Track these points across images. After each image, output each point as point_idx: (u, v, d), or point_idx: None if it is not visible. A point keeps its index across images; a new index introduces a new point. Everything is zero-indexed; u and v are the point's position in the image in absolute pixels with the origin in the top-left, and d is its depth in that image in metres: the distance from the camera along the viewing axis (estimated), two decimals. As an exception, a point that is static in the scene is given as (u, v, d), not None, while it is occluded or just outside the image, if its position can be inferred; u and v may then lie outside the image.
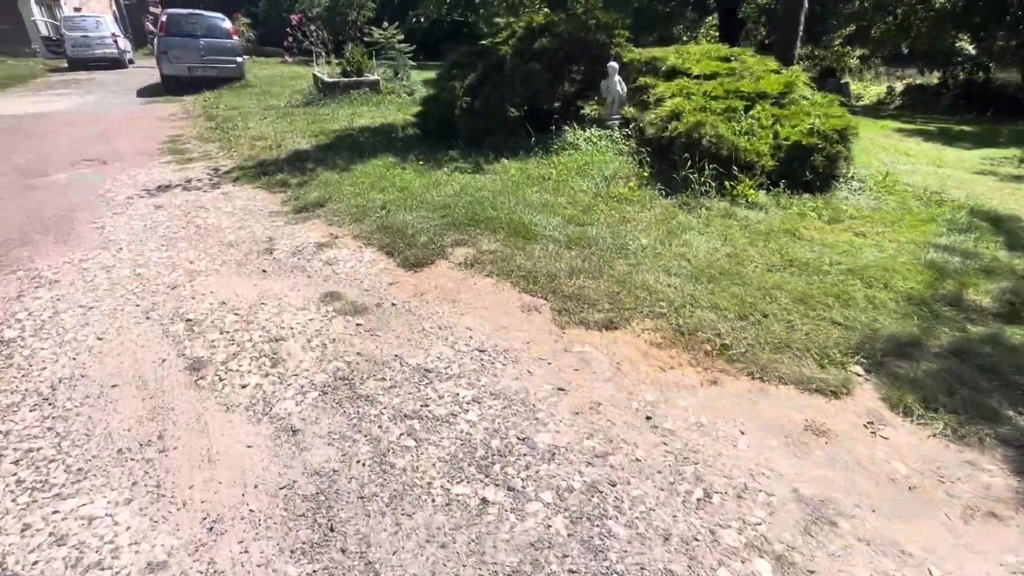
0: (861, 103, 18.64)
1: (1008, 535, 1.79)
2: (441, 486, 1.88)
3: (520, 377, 2.44)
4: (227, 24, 13.22)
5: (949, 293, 3.31)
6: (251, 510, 1.83)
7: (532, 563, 1.62)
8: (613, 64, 6.03)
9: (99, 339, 2.81)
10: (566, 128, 6.10)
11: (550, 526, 1.74)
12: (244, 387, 2.44)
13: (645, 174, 4.92)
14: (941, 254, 3.82)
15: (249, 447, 2.11)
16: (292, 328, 2.86)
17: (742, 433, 2.16)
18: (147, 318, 3.00)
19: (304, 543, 1.69)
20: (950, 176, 6.27)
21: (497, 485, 1.88)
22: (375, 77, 10.51)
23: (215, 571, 1.61)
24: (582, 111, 6.86)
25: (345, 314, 3.00)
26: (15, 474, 1.98)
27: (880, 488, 1.96)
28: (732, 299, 3.09)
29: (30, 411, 2.32)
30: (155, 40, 13.20)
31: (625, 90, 6.13)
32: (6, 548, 1.69)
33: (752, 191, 4.55)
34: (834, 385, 2.44)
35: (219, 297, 3.20)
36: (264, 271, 3.54)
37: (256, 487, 1.93)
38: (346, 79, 10.36)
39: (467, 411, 2.23)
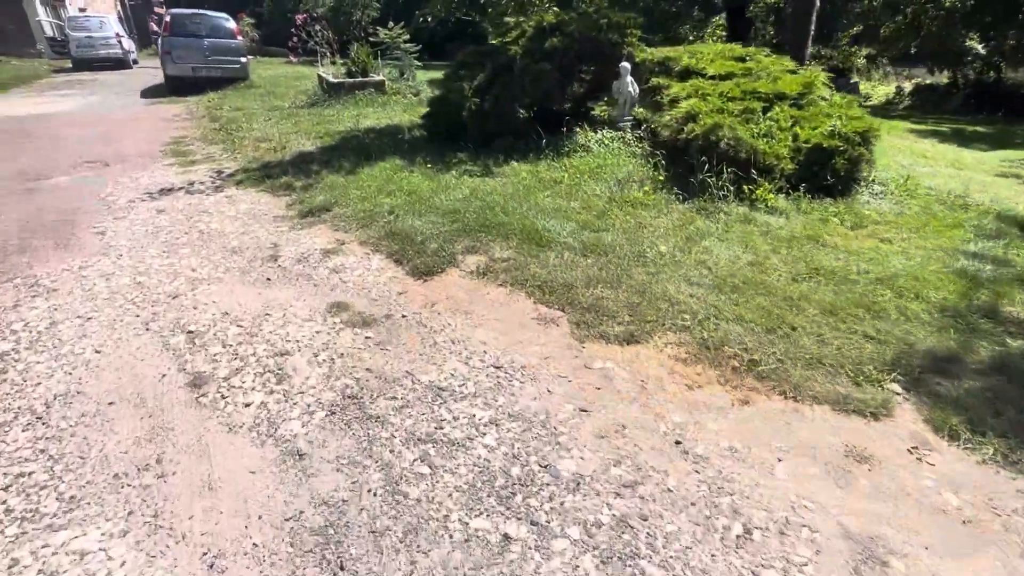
0: (869, 103, 18.40)
1: (1076, 577, 1.65)
2: (459, 519, 1.75)
3: (539, 397, 2.30)
4: (231, 24, 13.12)
5: (984, 304, 3.16)
6: (255, 544, 1.71)
7: (560, 609, 1.49)
8: (625, 64, 5.89)
9: (97, 352, 2.69)
10: (577, 130, 5.95)
11: (578, 566, 1.60)
12: (247, 406, 2.31)
13: (660, 178, 4.77)
14: (971, 262, 3.67)
15: (253, 473, 1.98)
16: (298, 341, 2.73)
17: (779, 460, 2.02)
18: (147, 329, 2.88)
19: (312, 585, 1.56)
20: (972, 179, 6.10)
21: (519, 519, 1.75)
22: (380, 77, 10.39)
23: (216, 617, 1.49)
24: (592, 112, 6.71)
25: (353, 326, 2.87)
26: (4, 502, 1.86)
27: (931, 522, 1.81)
28: (758, 311, 2.95)
29: (23, 431, 2.20)
30: (159, 40, 13.11)
31: (637, 91, 5.98)
32: (-10, 589, 1.56)
33: (771, 195, 4.40)
34: (873, 406, 2.29)
35: (222, 307, 3.08)
36: (268, 279, 3.41)
37: (260, 518, 1.80)
38: (351, 79, 10.24)
39: (484, 434, 2.09)
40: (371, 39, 11.50)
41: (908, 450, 2.11)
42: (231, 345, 2.72)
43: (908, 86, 19.73)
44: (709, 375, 2.47)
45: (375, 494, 1.85)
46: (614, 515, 1.76)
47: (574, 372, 2.47)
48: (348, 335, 2.79)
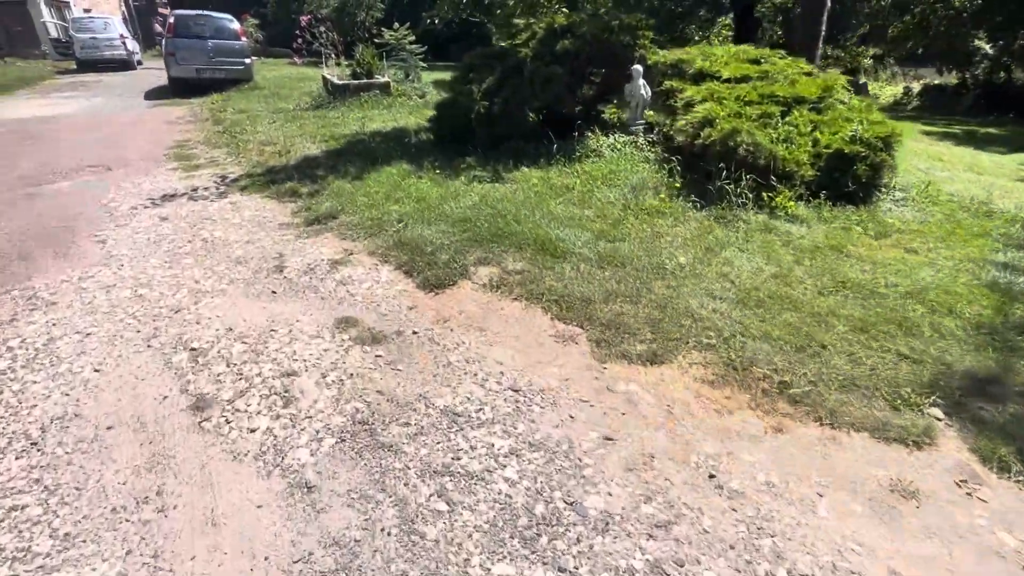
0: (877, 104, 18.21)
1: None
2: (480, 564, 1.62)
3: (561, 424, 2.18)
4: (235, 25, 13.02)
5: (1020, 320, 3.02)
6: (261, 591, 1.59)
7: (594, 671, 1.36)
8: (638, 67, 5.75)
9: (96, 371, 2.58)
10: (588, 134, 5.82)
11: (612, 620, 1.48)
12: (253, 431, 2.19)
13: (676, 184, 4.64)
14: (1002, 273, 3.53)
15: (259, 507, 1.86)
16: (305, 360, 2.61)
17: (820, 495, 1.89)
18: (148, 346, 2.76)
19: (324, 640, 1.44)
20: (993, 184, 5.94)
21: (545, 564, 1.62)
22: (386, 79, 10.27)
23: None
24: (602, 115, 6.57)
25: (362, 343, 2.75)
26: (-6, 540, 1.74)
27: (988, 567, 1.68)
28: (785, 327, 2.81)
29: (16, 459, 2.09)
30: (163, 42, 13.03)
31: (649, 94, 5.85)
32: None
33: (792, 203, 4.27)
34: (915, 433, 2.16)
35: (226, 322, 2.96)
36: (274, 292, 3.29)
37: (267, 559, 1.68)
38: (356, 81, 10.12)
39: (504, 466, 1.96)
40: (376, 40, 11.38)
41: (956, 483, 1.98)
42: (235, 364, 2.60)
43: (916, 87, 19.52)
44: (739, 399, 2.34)
45: (389, 533, 1.73)
46: (648, 560, 1.63)
47: (596, 396, 2.34)
48: (357, 353, 2.67)
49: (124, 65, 18.72)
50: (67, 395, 2.42)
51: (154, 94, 12.53)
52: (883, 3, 17.98)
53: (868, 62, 21.52)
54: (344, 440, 2.12)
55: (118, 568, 1.66)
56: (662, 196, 4.47)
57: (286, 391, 2.40)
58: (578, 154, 5.56)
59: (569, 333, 2.79)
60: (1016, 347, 2.75)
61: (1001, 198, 5.32)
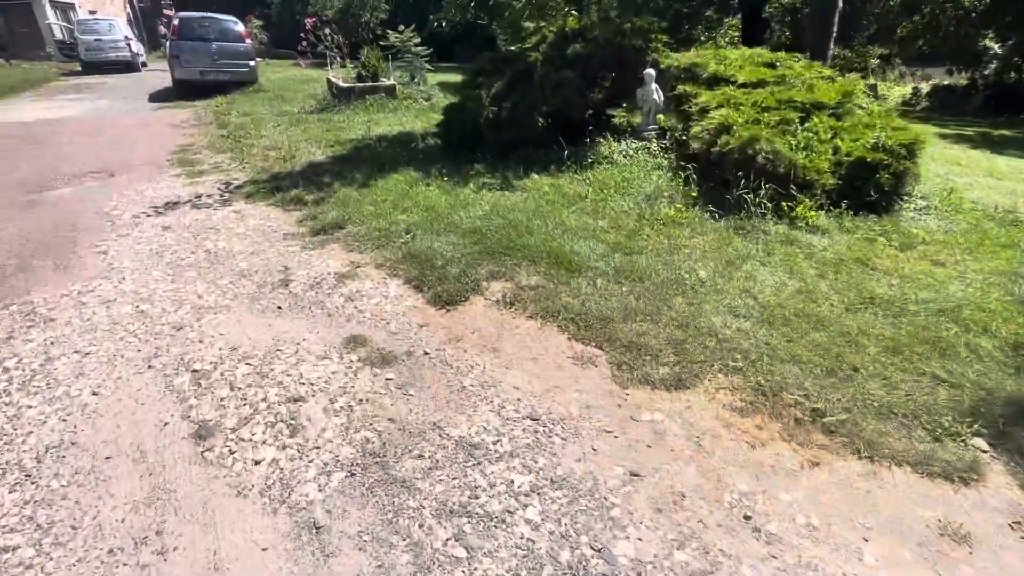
0: (885, 105, 18.01)
1: None
2: (504, 620, 1.50)
3: (584, 457, 2.05)
4: (240, 27, 12.94)
5: (1060, 340, 2.88)
6: (267, 649, 1.47)
7: None
8: (650, 71, 5.62)
9: (94, 395, 2.47)
10: (599, 139, 5.69)
11: None
12: (258, 463, 2.08)
13: (692, 193, 4.51)
14: (1036, 289, 3.38)
15: (264, 550, 1.74)
16: (312, 384, 2.49)
17: (865, 540, 1.76)
18: (149, 367, 2.65)
19: None
20: (1015, 191, 5.78)
21: (574, 621, 1.50)
22: (391, 82, 10.16)
23: None
24: (613, 119, 6.45)
25: (372, 364, 2.63)
26: (-18, 588, 1.63)
27: (1053, 623, 1.55)
28: (814, 349, 2.68)
29: (9, 492, 1.98)
30: (167, 44, 12.96)
31: (662, 98, 5.72)
32: None
33: (812, 213, 4.13)
34: (960, 468, 2.03)
35: (229, 341, 2.85)
36: (279, 308, 3.18)
37: (273, 611, 1.56)
38: (361, 84, 10.01)
39: (526, 507, 1.84)
40: (381, 43, 11.26)
41: (1009, 525, 1.85)
42: (239, 388, 2.48)
43: (924, 87, 19.29)
44: (771, 429, 2.21)
45: (404, 583, 1.61)
46: (685, 616, 1.51)
47: (620, 425, 2.22)
48: (367, 376, 2.55)
49: (128, 67, 18.72)
50: (64, 420, 2.32)
51: (158, 96, 12.47)
52: (892, 3, 17.79)
53: (875, 62, 21.30)
54: (354, 474, 2.00)
55: (114, 620, 1.55)
56: (678, 205, 4.34)
57: (293, 418, 2.29)
58: (590, 160, 5.43)
59: (588, 354, 2.67)
60: (1058, 370, 2.61)
61: (1025, 206, 5.16)
